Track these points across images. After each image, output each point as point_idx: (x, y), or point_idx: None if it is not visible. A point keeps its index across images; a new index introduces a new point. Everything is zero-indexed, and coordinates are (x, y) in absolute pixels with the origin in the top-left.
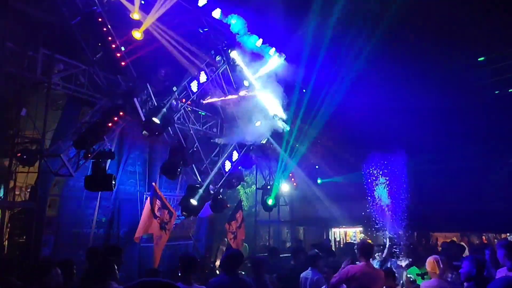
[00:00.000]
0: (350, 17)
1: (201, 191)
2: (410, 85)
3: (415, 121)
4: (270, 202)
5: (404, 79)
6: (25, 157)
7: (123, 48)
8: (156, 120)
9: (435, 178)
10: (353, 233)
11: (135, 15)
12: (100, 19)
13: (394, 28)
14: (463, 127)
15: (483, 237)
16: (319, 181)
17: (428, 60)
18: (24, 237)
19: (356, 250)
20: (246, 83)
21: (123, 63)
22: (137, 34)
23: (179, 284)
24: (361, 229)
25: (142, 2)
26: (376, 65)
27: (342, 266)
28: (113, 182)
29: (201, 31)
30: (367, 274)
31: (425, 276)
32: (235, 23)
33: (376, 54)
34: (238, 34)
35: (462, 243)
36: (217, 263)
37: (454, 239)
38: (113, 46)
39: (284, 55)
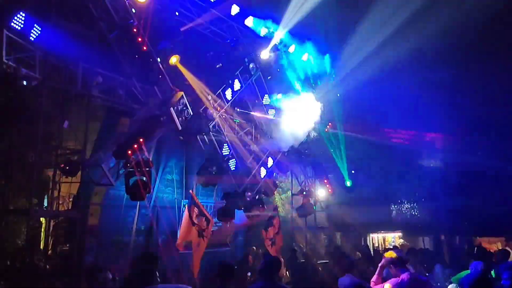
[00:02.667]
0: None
1: (237, 198)
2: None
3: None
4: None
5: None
6: (67, 167)
7: (159, 59)
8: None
9: (477, 180)
10: (392, 238)
11: None
12: (136, 32)
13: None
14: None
15: None
16: (348, 183)
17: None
18: (68, 245)
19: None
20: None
21: (159, 74)
22: (174, 59)
23: None
24: (400, 234)
25: (177, 13)
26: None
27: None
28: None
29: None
30: None
31: None
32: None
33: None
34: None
35: (507, 248)
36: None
37: (499, 244)
38: (149, 58)
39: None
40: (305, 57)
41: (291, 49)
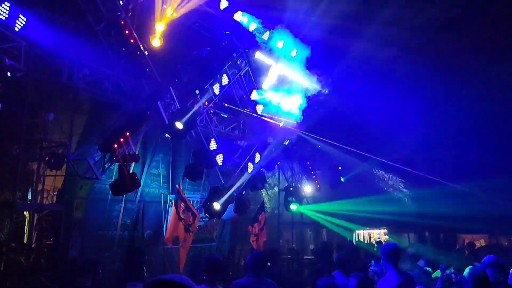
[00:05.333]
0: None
1: (224, 193)
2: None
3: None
4: (293, 207)
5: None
6: (52, 160)
7: (146, 53)
8: (179, 125)
9: (461, 178)
10: (378, 235)
11: (160, 25)
12: (124, 25)
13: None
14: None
15: None
16: (342, 179)
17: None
18: (52, 239)
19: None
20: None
21: (146, 68)
22: (156, 42)
23: (202, 286)
24: (385, 230)
25: (165, 6)
26: (404, 69)
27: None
28: (138, 179)
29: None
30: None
31: None
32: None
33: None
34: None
35: None
36: None
37: (482, 241)
38: (137, 51)
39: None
40: (280, 44)
41: (265, 36)
